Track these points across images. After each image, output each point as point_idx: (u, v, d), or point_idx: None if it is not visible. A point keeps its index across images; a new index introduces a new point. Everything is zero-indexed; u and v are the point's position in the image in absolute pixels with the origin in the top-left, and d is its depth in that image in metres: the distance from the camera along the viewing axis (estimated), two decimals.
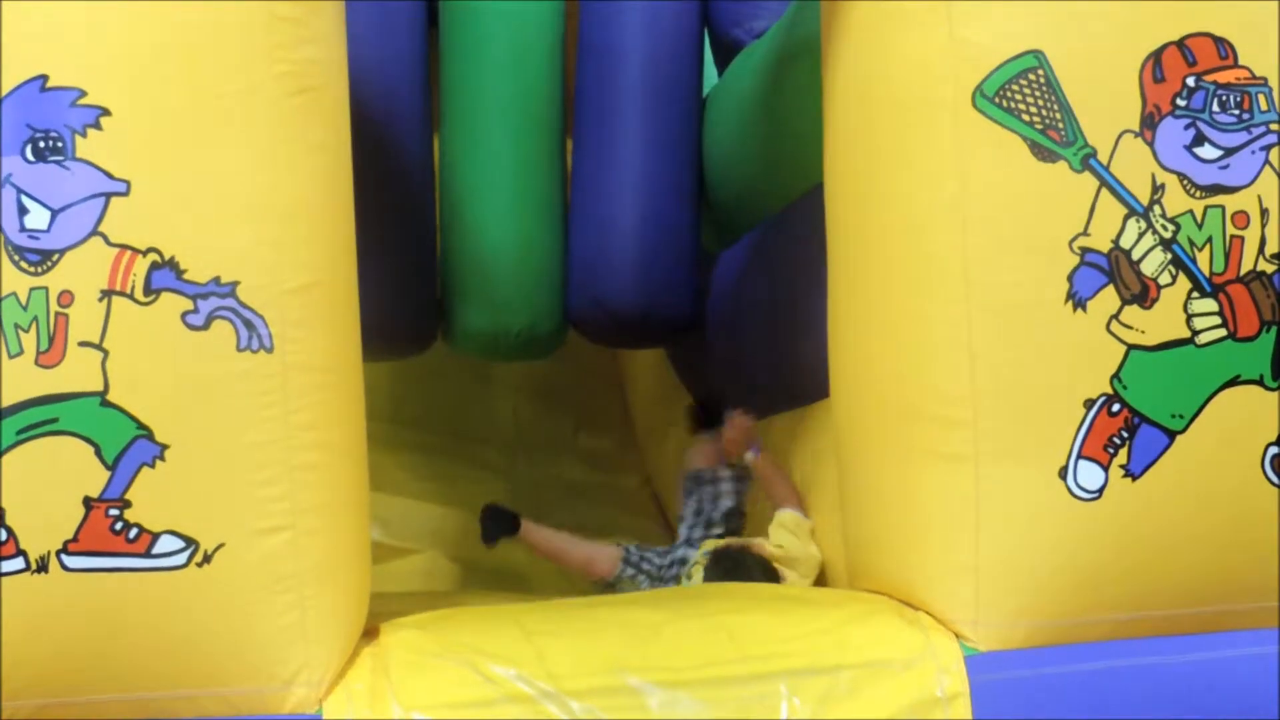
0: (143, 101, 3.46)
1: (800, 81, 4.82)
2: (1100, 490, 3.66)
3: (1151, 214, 3.63)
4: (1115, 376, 3.64)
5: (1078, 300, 3.63)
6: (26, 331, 3.40)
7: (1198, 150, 3.65)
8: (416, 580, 6.30)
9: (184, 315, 3.46)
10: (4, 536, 3.41)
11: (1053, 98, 3.62)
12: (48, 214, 3.42)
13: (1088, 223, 3.62)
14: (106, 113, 3.44)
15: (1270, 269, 3.65)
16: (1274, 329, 3.66)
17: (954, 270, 3.66)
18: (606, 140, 5.88)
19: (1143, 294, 3.63)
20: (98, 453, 3.42)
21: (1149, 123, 3.63)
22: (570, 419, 7.52)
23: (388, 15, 5.64)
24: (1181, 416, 3.66)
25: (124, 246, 3.43)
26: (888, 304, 3.84)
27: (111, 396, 3.42)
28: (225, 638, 3.53)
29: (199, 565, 3.48)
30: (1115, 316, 3.63)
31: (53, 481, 3.42)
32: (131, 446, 3.43)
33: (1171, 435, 3.66)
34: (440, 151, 5.92)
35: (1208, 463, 3.68)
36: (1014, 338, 3.64)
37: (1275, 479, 3.70)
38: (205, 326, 3.47)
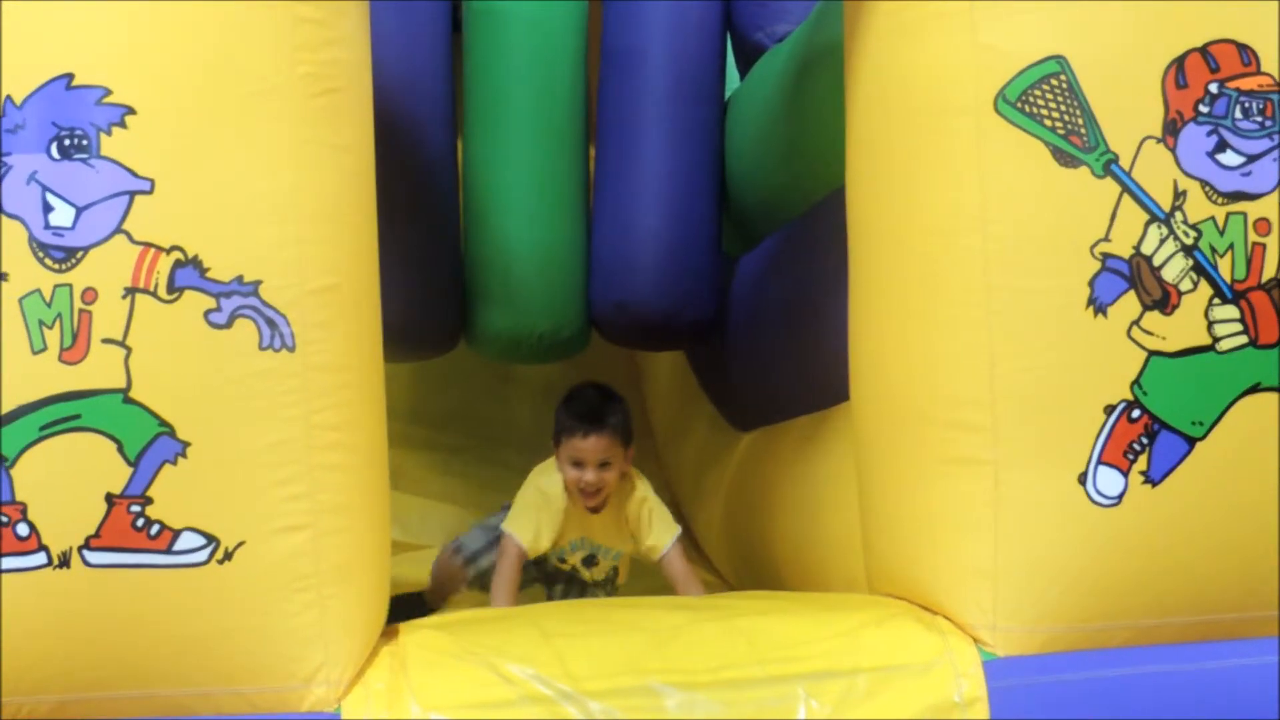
0: (167, 100, 3.47)
1: (822, 86, 4.83)
2: (1120, 496, 3.65)
3: (1173, 220, 3.63)
4: (1136, 382, 3.63)
5: (1098, 306, 3.63)
6: (50, 328, 3.41)
7: (1220, 157, 3.64)
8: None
9: (207, 314, 3.47)
10: (26, 532, 3.43)
11: (1075, 103, 3.62)
12: (72, 211, 3.43)
13: (1109, 228, 3.62)
14: (131, 111, 3.45)
15: None
16: None
17: (974, 275, 3.66)
18: (629, 144, 5.90)
19: (1164, 300, 3.63)
20: (120, 449, 3.43)
21: (1171, 129, 3.63)
22: None
23: (412, 18, 5.65)
24: (1201, 423, 3.66)
25: (148, 244, 3.44)
26: (907, 308, 3.84)
27: (134, 394, 3.44)
28: (244, 635, 3.54)
29: (220, 563, 3.49)
30: (1136, 322, 3.63)
31: (75, 478, 3.43)
32: (153, 444, 3.45)
33: (1191, 442, 3.65)
34: (464, 154, 5.94)
35: (1227, 469, 3.67)
36: (1034, 343, 3.64)
37: None
38: (228, 325, 3.48)
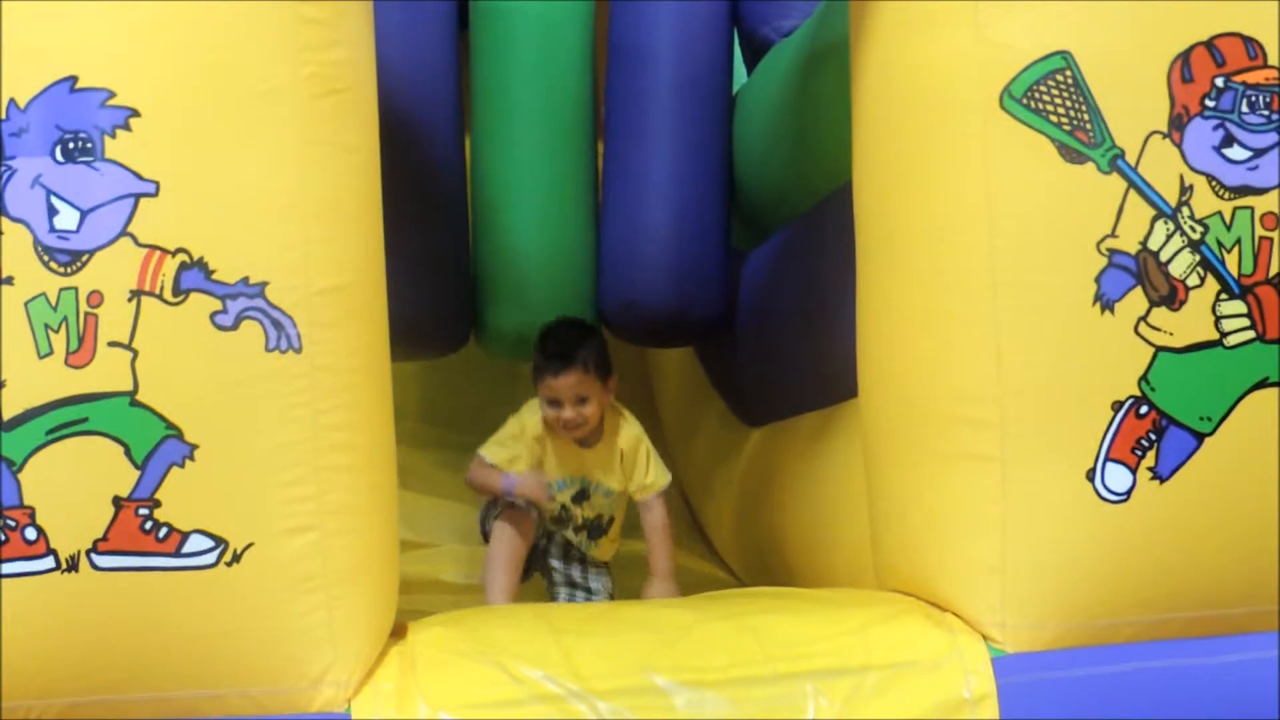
0: (171, 102, 3.47)
1: (829, 80, 4.82)
2: (1128, 493, 3.65)
3: (1180, 215, 3.62)
4: (1143, 378, 3.63)
5: (1105, 302, 3.62)
6: (56, 332, 3.41)
7: (1226, 151, 3.64)
8: (445, 569, 6.33)
9: (213, 315, 3.47)
10: (34, 536, 3.43)
11: (1080, 99, 3.61)
12: (77, 215, 3.43)
13: (1115, 224, 3.61)
14: (136, 114, 3.45)
15: None
16: None
17: (981, 272, 3.66)
18: (636, 141, 5.89)
19: (1171, 296, 3.62)
20: (127, 452, 3.43)
21: (1177, 124, 3.63)
22: None
23: (418, 17, 5.65)
24: (1210, 419, 3.65)
25: (153, 247, 3.44)
26: (915, 305, 3.83)
27: (141, 396, 3.44)
28: (253, 637, 3.55)
29: (228, 565, 3.50)
30: (1143, 318, 3.62)
31: (82, 481, 3.44)
32: (161, 446, 3.45)
33: (1200, 437, 3.65)
34: (471, 153, 5.94)
35: (1236, 465, 3.67)
36: (1041, 339, 3.64)
37: None
38: (234, 327, 3.48)
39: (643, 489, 5.60)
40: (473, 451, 5.66)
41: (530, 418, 5.54)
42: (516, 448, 5.52)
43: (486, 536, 5.65)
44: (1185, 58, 3.64)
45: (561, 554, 5.73)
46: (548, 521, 5.63)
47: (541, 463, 5.54)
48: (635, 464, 5.57)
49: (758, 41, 5.96)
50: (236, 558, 3.50)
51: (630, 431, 5.58)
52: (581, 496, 5.60)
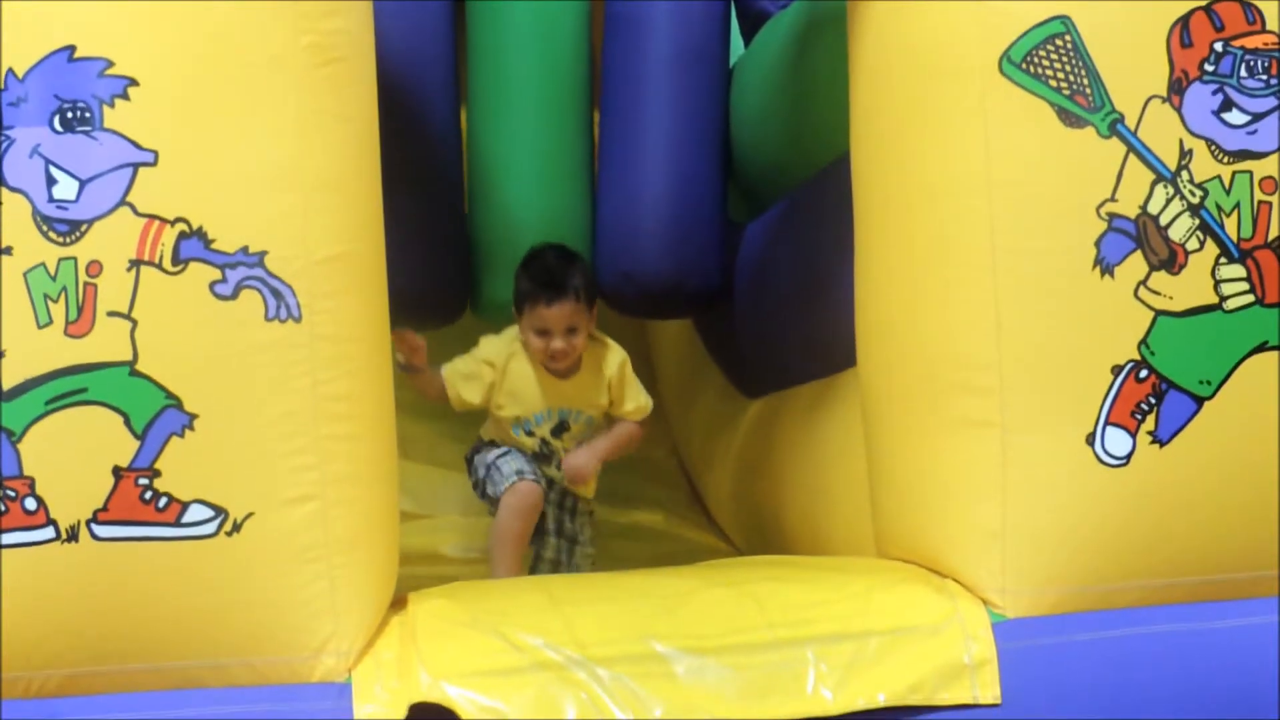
0: (170, 72, 3.47)
1: (827, 51, 4.81)
2: (1128, 457, 3.65)
3: (1179, 179, 3.62)
4: (1143, 342, 3.63)
5: (1105, 266, 3.62)
6: (55, 302, 3.42)
7: (1226, 115, 3.64)
8: (445, 541, 6.33)
9: (212, 285, 3.47)
10: (34, 506, 3.43)
11: (1080, 63, 3.61)
12: (76, 184, 3.43)
13: (1115, 188, 3.62)
14: (134, 83, 3.45)
15: None
16: None
17: (981, 237, 3.66)
18: (634, 112, 5.88)
19: (1170, 260, 3.63)
20: (126, 422, 3.43)
21: (1177, 88, 3.63)
22: None
23: None
24: (1209, 383, 3.66)
25: (152, 216, 3.44)
26: (914, 272, 3.83)
27: (140, 366, 3.44)
28: (254, 607, 3.55)
29: (228, 534, 3.50)
30: (1143, 282, 3.63)
31: (82, 451, 3.44)
32: (160, 416, 3.45)
33: (1199, 401, 3.65)
34: (468, 123, 5.93)
35: (1235, 429, 3.67)
36: (1041, 304, 3.64)
37: None
38: (233, 296, 3.48)
39: (638, 410, 5.59)
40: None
41: (483, 339, 5.53)
42: (467, 364, 5.51)
43: (478, 485, 5.62)
44: (1184, 22, 3.64)
45: (558, 501, 5.69)
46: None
47: (529, 402, 5.50)
48: (624, 391, 5.56)
49: (755, 13, 5.95)
50: (237, 527, 3.50)
51: (615, 359, 5.54)
52: (561, 429, 5.57)
